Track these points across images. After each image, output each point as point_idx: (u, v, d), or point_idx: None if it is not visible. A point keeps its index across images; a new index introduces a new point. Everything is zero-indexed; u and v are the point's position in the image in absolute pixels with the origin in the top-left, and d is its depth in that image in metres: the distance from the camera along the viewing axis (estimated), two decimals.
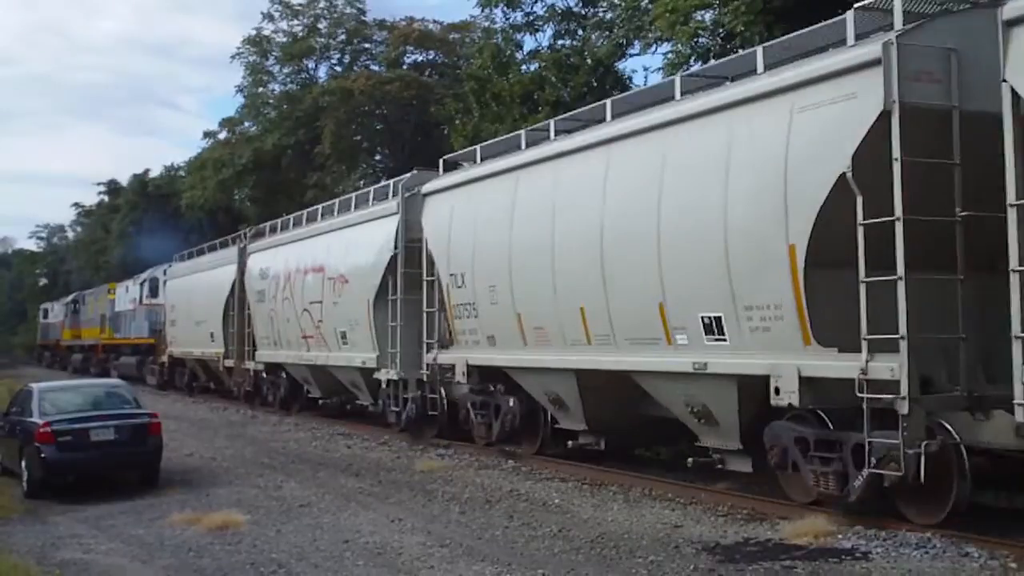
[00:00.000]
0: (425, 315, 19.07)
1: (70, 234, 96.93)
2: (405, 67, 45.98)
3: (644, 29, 24.73)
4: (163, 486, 15.55)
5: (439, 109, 37.28)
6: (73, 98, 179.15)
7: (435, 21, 48.17)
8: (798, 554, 9.95)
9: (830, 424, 11.29)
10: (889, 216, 10.01)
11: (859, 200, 10.26)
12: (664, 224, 12.74)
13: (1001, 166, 9.20)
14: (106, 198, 79.58)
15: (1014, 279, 9.09)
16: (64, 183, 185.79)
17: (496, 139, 18.84)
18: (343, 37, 49.44)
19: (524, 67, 30.83)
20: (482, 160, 17.86)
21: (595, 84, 26.76)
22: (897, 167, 9.93)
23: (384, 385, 20.92)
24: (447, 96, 36.99)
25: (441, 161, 19.84)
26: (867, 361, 10.26)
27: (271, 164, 47.35)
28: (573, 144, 15.03)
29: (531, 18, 32.80)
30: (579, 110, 16.79)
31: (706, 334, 12.25)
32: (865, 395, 10.27)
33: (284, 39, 49.66)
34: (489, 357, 17.06)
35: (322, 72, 49.85)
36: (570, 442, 15.91)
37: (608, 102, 14.94)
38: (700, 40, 20.49)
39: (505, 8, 33.19)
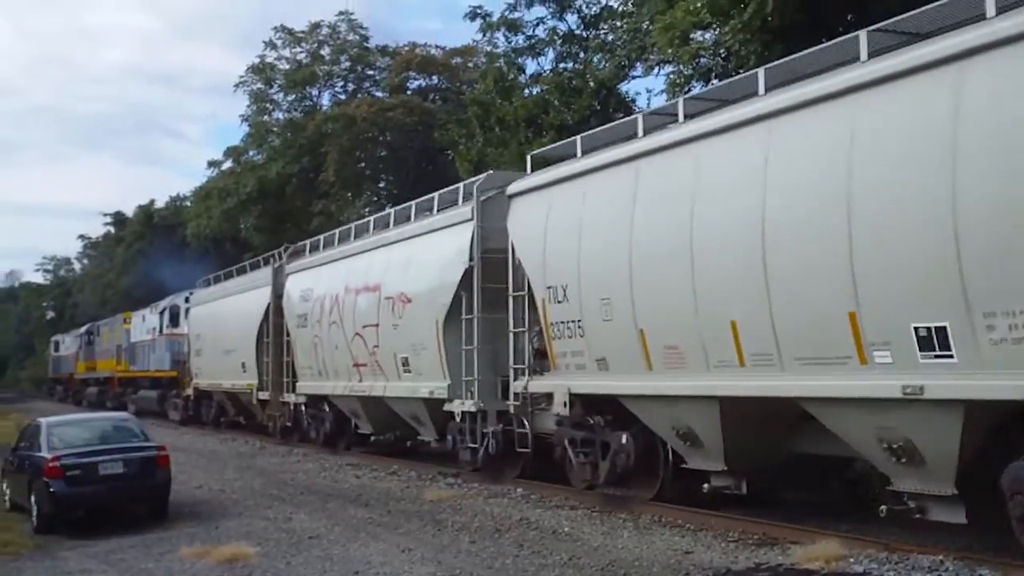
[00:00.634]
0: (512, 336, 16.69)
1: (77, 266, 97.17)
2: (408, 93, 46.13)
3: (646, 50, 24.86)
4: (172, 519, 15.51)
5: (443, 134, 37.43)
6: (78, 129, 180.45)
7: (437, 46, 48.60)
8: None
9: None
10: None
11: None
12: (857, 212, 10.26)
13: None
14: (112, 229, 79.73)
15: None
16: (70, 214, 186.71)
17: (602, 127, 16.16)
18: (347, 64, 49.68)
19: (527, 91, 30.99)
20: (583, 154, 15.34)
21: (598, 107, 26.90)
22: None
23: (456, 418, 18.41)
24: (450, 121, 37.16)
25: (528, 158, 17.51)
26: None
27: (276, 192, 47.40)
28: (719, 122, 12.44)
29: (533, 41, 33.08)
30: (714, 86, 14.63)
31: (921, 350, 9.73)
32: None
33: (287, 66, 49.94)
34: (599, 384, 14.50)
35: (326, 99, 50.21)
36: (706, 485, 13.23)
37: (760, 71, 12.22)
38: (702, 60, 20.53)
39: (507, 32, 33.50)
